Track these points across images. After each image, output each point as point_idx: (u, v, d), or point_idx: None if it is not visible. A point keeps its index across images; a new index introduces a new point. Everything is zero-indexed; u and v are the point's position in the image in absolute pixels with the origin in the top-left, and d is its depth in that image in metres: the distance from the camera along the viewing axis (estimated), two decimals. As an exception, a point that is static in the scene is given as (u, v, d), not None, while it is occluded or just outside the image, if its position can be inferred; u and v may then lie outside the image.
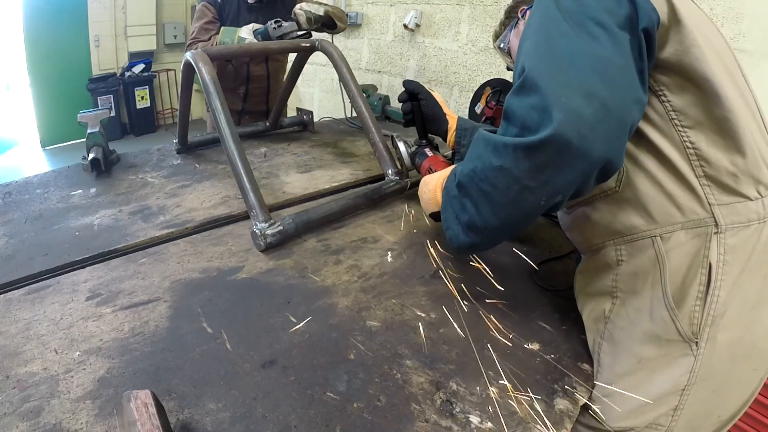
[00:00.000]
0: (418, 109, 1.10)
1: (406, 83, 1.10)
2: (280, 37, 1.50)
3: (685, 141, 0.59)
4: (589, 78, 0.49)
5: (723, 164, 0.58)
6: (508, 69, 1.11)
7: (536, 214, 0.57)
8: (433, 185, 0.85)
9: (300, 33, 1.55)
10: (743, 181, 0.58)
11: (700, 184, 0.59)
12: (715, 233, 0.58)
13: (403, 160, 1.13)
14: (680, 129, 0.59)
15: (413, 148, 1.13)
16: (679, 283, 0.60)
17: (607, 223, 0.66)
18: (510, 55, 1.05)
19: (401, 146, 1.14)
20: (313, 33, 1.62)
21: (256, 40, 1.50)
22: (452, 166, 0.88)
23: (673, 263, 0.60)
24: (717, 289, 0.58)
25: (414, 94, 1.08)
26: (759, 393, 0.65)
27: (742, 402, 0.66)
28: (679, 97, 0.58)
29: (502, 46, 1.08)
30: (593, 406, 0.68)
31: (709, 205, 0.59)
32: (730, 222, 0.58)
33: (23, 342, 0.66)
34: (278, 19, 1.49)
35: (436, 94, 1.09)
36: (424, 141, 1.13)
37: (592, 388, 0.68)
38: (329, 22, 1.67)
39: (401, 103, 1.13)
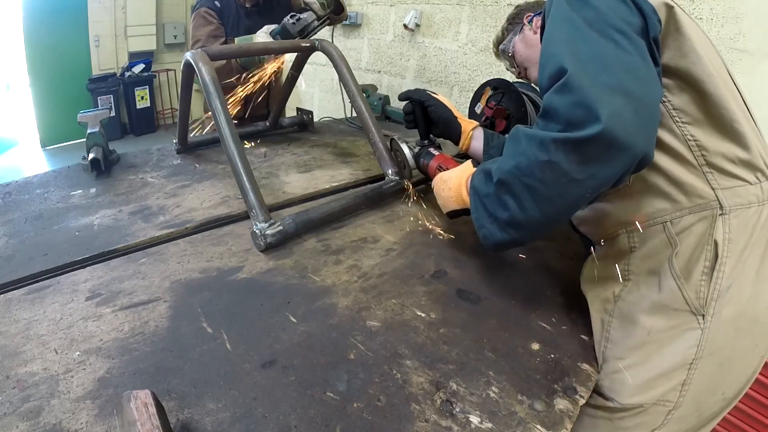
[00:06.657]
0: (420, 110, 1.08)
1: (412, 93, 1.08)
2: (301, 31, 1.45)
3: (686, 135, 0.64)
4: (624, 78, 0.52)
5: (722, 152, 0.63)
6: (513, 71, 1.19)
7: (579, 206, 0.61)
8: (454, 183, 0.84)
9: (318, 22, 1.49)
10: (742, 167, 0.64)
11: (703, 171, 0.64)
12: (720, 215, 0.63)
13: (407, 161, 1.10)
14: (681, 125, 0.64)
15: (417, 149, 1.11)
16: (686, 259, 0.64)
17: (619, 214, 0.70)
18: (514, 59, 1.12)
19: (404, 148, 1.11)
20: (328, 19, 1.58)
21: None
22: (467, 163, 0.88)
23: (682, 243, 0.64)
24: (723, 265, 0.62)
25: (420, 102, 1.07)
26: (758, 391, 0.66)
27: (745, 379, 0.68)
28: (678, 97, 0.64)
29: (506, 50, 1.12)
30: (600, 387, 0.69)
31: (713, 189, 0.64)
32: (733, 204, 0.63)
33: (23, 342, 0.66)
34: (293, 14, 1.45)
35: (440, 97, 1.07)
36: (426, 141, 1.11)
37: (592, 388, 0.67)
38: (338, 6, 1.65)
39: (403, 102, 1.11)
